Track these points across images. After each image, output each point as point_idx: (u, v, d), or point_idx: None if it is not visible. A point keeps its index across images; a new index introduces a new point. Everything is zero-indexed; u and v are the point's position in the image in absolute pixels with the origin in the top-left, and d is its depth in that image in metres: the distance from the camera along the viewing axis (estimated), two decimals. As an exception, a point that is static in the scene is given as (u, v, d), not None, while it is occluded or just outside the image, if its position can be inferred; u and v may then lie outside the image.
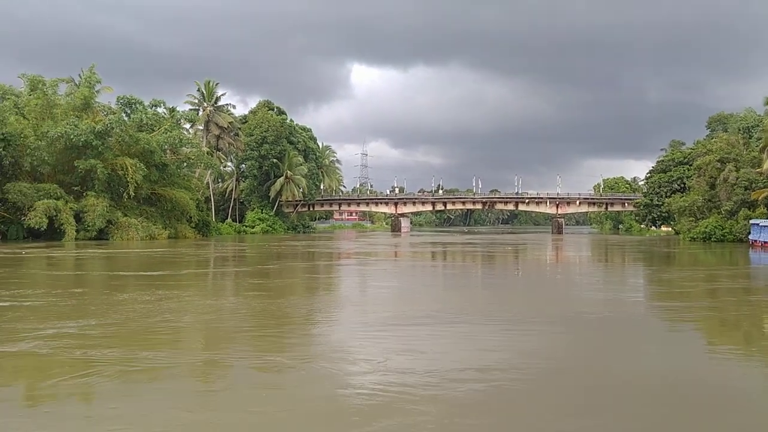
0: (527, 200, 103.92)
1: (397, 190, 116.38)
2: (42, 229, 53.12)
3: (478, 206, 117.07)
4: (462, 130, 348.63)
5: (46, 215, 53.24)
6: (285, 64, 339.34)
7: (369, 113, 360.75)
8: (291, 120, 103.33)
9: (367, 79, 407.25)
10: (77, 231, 55.16)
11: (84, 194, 58.43)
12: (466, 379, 7.82)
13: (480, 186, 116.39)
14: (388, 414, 6.38)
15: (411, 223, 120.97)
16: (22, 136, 56.00)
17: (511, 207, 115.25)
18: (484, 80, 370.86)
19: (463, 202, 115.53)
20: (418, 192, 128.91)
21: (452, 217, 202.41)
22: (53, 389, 7.22)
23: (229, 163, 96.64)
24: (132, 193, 58.78)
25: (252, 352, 9.46)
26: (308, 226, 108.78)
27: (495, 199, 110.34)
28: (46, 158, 56.89)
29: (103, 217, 56.50)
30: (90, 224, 55.78)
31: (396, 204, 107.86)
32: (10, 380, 7.67)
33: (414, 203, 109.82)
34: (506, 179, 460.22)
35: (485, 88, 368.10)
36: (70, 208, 55.75)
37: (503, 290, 19.92)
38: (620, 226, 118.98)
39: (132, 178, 57.95)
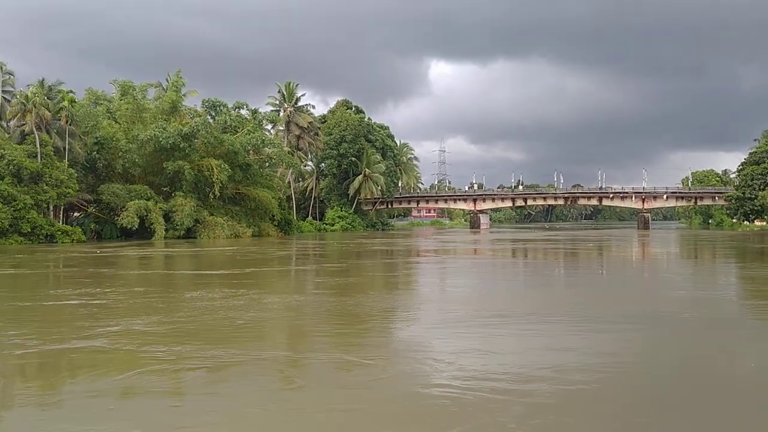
0: (611, 195, 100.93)
1: (475, 187, 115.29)
2: (134, 228, 55.54)
3: (560, 202, 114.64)
4: (542, 124, 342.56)
5: (137, 215, 55.60)
6: (364, 63, 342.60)
7: (447, 109, 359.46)
8: (369, 118, 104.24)
9: (446, 75, 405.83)
10: (166, 230, 57.35)
11: (172, 195, 60.68)
12: (545, 378, 7.67)
13: (561, 181, 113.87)
14: (468, 414, 6.32)
15: (490, 219, 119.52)
16: (114, 139, 58.76)
17: (594, 202, 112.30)
18: (565, 72, 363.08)
19: (544, 198, 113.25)
20: (498, 188, 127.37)
21: (533, 213, 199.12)
22: (144, 383, 7.49)
23: (309, 162, 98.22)
24: (217, 193, 60.63)
25: (331, 350, 9.57)
26: (386, 224, 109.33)
27: (577, 194, 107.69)
28: (137, 160, 59.42)
29: (191, 217, 58.50)
30: (178, 223, 57.89)
31: (474, 200, 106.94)
32: (104, 374, 7.99)
33: (493, 199, 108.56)
34: (589, 174, 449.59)
35: (566, 81, 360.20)
36: (160, 208, 58.01)
37: (585, 289, 19.36)
38: (710, 221, 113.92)
39: (217, 178, 59.79)
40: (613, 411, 6.63)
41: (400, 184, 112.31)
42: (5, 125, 58.95)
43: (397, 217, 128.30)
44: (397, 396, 7.03)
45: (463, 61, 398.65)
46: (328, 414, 6.39)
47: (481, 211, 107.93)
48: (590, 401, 6.95)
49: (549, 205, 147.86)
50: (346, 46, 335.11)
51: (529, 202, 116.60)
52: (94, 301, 14.44)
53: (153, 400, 6.86)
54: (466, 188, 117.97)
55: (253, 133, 67.21)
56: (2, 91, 59.08)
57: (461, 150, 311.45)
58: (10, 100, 57.75)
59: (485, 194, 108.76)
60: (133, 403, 6.79)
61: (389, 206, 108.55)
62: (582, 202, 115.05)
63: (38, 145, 51.66)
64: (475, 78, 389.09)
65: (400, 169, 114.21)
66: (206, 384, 7.41)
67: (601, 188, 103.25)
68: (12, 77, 60.89)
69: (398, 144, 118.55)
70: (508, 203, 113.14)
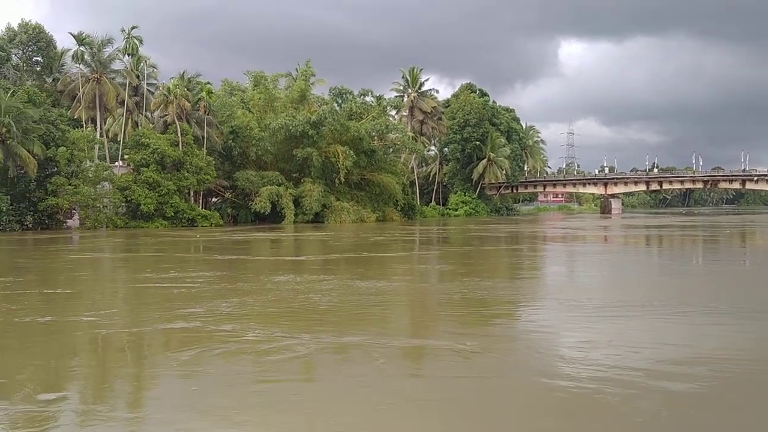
0: (756, 178, 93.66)
1: (606, 170, 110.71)
2: (266, 213, 58.10)
3: (698, 185, 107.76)
4: (680, 104, 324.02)
5: (269, 200, 58.09)
6: (491, 45, 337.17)
7: (577, 90, 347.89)
8: (493, 101, 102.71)
9: (577, 55, 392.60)
10: (296, 214, 59.52)
11: (302, 180, 62.79)
12: (681, 374, 7.23)
13: (700, 163, 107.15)
14: (599, 407, 6.12)
15: (622, 204, 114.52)
16: (248, 128, 61.59)
17: (736, 186, 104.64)
18: (705, 49, 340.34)
19: (681, 181, 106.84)
20: (630, 171, 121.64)
21: (669, 197, 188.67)
22: (272, 367, 7.80)
23: (432, 147, 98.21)
24: (343, 179, 62.13)
25: (454, 338, 9.39)
26: (511, 209, 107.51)
27: (718, 177, 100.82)
28: (269, 148, 61.93)
29: (319, 202, 60.38)
30: (307, 208, 59.93)
31: (605, 184, 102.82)
32: (240, 354, 8.36)
33: (626, 183, 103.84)
34: (730, 156, 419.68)
35: (706, 58, 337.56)
36: (290, 193, 60.24)
37: (726, 278, 18.10)
38: None
39: (343, 164, 61.22)
40: (757, 412, 6.20)
41: (525, 168, 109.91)
42: (150, 116, 63.38)
43: (522, 202, 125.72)
44: (519, 389, 6.87)
45: (597, 39, 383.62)
46: (450, 403, 6.34)
47: (613, 196, 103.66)
48: (734, 400, 6.54)
49: (686, 189, 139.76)
50: (473, 29, 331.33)
51: (665, 186, 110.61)
52: (237, 285, 15.19)
53: (285, 383, 7.06)
54: (596, 172, 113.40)
55: (378, 119, 68.17)
56: (147, 84, 63.37)
57: (591, 132, 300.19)
58: (154, 92, 61.88)
59: (617, 177, 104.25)
60: (268, 386, 7.00)
61: (514, 191, 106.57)
62: (723, 185, 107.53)
63: (179, 134, 55.07)
64: (609, 56, 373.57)
65: (525, 153, 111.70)
66: (332, 367, 7.55)
67: (744, 171, 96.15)
68: (155, 70, 65.20)
69: (524, 127, 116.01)
70: (642, 187, 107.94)
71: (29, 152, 45.75)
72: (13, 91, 47.57)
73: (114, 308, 12.28)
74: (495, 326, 10.63)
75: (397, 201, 70.51)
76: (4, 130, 44.56)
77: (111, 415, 5.92)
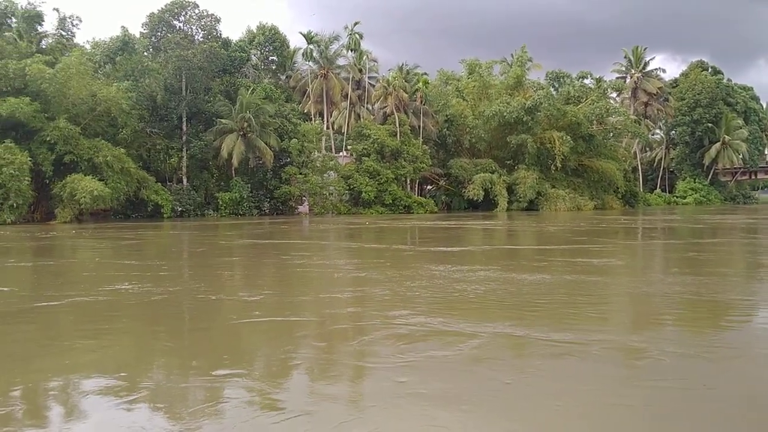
0: None
1: None
2: (479, 200, 58.54)
3: None
4: None
5: (482, 188, 58.44)
6: (731, 17, 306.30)
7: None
8: (728, 80, 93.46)
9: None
10: (509, 202, 59.28)
11: (515, 168, 62.29)
12: None
13: None
14: None
15: None
16: (462, 116, 62.43)
17: None
18: None
19: None
20: None
21: None
22: (524, 364, 7.88)
23: (657, 131, 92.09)
24: (559, 165, 60.57)
25: (679, 341, 8.68)
26: (749, 197, 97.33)
27: None
28: (483, 135, 62.23)
29: (533, 189, 59.53)
30: (521, 196, 59.43)
31: None
32: (449, 344, 8.55)
33: None
34: None
35: None
36: (503, 180, 60.10)
37: None
38: None
39: (559, 150, 59.68)
40: None
41: (766, 152, 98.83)
42: (371, 108, 66.66)
43: (762, 189, 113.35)
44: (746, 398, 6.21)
45: None
46: (667, 418, 5.89)
47: None
48: None
49: None
50: (706, 2, 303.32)
51: None
52: (457, 274, 15.52)
53: (491, 380, 7.00)
54: None
55: (597, 102, 65.33)
56: (368, 77, 66.66)
57: None
58: (375, 85, 64.94)
59: None
60: (476, 375, 6.99)
61: (752, 177, 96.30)
62: None
63: (397, 125, 57.31)
64: None
65: (766, 135, 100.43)
66: (547, 366, 7.29)
67: None
68: (376, 64, 68.36)
69: (764, 107, 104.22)
70: None
71: (266, 144, 50.50)
72: (253, 89, 52.65)
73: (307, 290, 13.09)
74: (731, 331, 9.70)
75: (617, 188, 67.27)
76: (245, 124, 49.54)
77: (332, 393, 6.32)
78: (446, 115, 62.72)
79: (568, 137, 60.28)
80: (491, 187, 59.24)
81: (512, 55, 70.79)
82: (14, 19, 47.35)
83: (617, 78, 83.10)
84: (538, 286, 12.38)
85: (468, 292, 11.64)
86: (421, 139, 59.55)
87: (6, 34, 46.05)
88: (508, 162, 64.01)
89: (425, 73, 65.07)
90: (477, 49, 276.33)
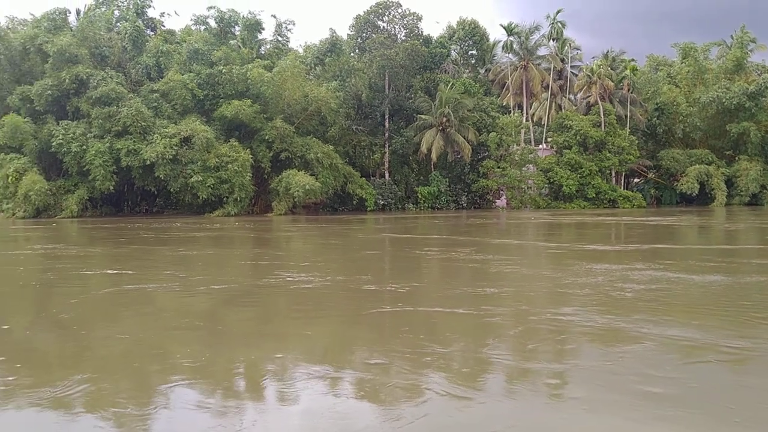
0: None
1: None
2: (693, 194, 54.39)
3: None
4: None
5: (697, 180, 54.22)
6: None
7: None
8: None
9: None
10: (729, 196, 54.51)
11: (735, 158, 57.14)
12: None
13: None
14: None
15: None
16: (674, 104, 58.19)
17: None
18: None
19: None
20: None
21: None
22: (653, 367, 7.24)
23: None
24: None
25: None
26: None
27: None
28: (698, 124, 57.73)
29: (757, 182, 54.50)
30: (742, 189, 54.61)
31: None
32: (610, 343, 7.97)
33: None
34: None
35: None
36: (722, 173, 55.42)
37: None
38: None
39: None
40: None
41: None
42: (573, 98, 64.39)
43: None
44: None
45: None
46: None
47: None
48: None
49: None
50: None
51: None
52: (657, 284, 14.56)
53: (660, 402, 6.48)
54: None
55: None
56: (570, 66, 64.44)
57: None
58: (577, 74, 62.63)
59: None
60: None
61: None
62: None
63: (602, 115, 54.79)
64: None
65: None
66: (728, 376, 6.54)
67: None
68: (579, 52, 65.86)
69: None
70: None
71: (465, 138, 50.84)
72: (452, 84, 53.19)
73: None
74: None
75: None
76: (444, 119, 50.23)
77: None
78: (656, 103, 58.89)
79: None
80: (707, 180, 54.80)
81: (732, 37, 64.59)
82: (238, 28, 51.95)
83: None
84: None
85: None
86: (628, 130, 56.39)
87: (231, 42, 50.76)
88: (728, 152, 58.72)
89: (633, 60, 61.42)
90: (692, 32, 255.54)
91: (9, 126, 40.55)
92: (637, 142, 56.15)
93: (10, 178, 40.35)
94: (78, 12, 51.21)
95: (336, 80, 51.43)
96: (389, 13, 53.14)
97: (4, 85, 44.69)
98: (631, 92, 57.01)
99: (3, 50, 44.18)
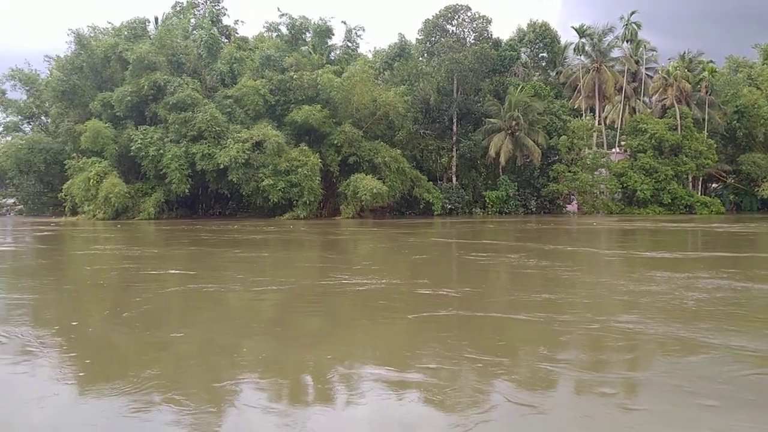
0: None
1: None
2: (776, 200, 52.16)
3: None
4: None
5: (781, 186, 51.89)
6: None
7: None
8: None
9: None
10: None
11: (823, 163, 54.43)
12: None
13: None
14: None
15: None
16: (755, 106, 55.78)
17: None
18: None
19: None
20: None
21: None
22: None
23: None
24: None
25: None
26: None
27: None
28: (782, 127, 55.28)
29: None
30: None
31: None
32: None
33: None
34: None
35: None
36: (808, 178, 52.84)
37: None
38: None
39: None
40: None
41: None
42: (648, 101, 62.52)
43: None
44: None
45: None
46: None
47: None
48: None
49: None
50: None
51: None
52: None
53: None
54: None
55: None
56: (645, 68, 62.59)
57: None
58: (652, 76, 60.78)
59: None
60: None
61: None
62: None
63: (678, 118, 53.01)
64: None
65: None
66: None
67: None
68: (655, 54, 63.87)
69: None
70: None
71: (534, 142, 50.08)
72: (522, 87, 52.48)
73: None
74: None
75: None
76: (513, 123, 49.61)
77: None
78: (736, 106, 56.54)
79: None
80: (791, 186, 52.33)
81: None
82: (308, 34, 52.69)
83: None
84: None
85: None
86: (706, 133, 54.36)
87: (302, 48, 51.53)
88: (813, 157, 55.96)
89: (711, 61, 59.31)
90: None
91: (91, 131, 42.30)
92: (715, 145, 54.08)
93: (92, 181, 42.04)
94: (156, 20, 53.09)
95: (404, 84, 51.49)
96: (458, 17, 52.87)
97: (87, 91, 46.65)
98: (710, 94, 54.99)
99: (86, 58, 46.19)
